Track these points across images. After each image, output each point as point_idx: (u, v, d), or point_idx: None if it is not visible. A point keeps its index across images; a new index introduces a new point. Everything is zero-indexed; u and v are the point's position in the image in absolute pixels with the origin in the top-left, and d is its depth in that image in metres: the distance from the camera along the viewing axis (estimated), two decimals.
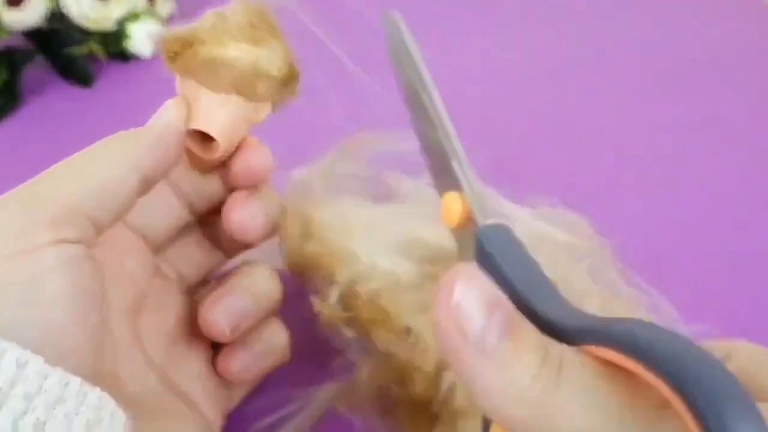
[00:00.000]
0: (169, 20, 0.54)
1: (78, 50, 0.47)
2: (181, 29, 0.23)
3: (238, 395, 0.26)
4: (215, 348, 0.26)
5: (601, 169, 0.41)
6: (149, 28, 0.50)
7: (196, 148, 0.23)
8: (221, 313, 0.23)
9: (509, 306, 0.14)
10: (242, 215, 0.24)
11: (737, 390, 0.12)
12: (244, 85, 0.22)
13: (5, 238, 0.17)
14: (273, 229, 0.25)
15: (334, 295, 0.26)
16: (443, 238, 0.28)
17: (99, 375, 0.18)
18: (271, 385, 0.27)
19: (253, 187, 0.25)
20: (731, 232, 0.37)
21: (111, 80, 0.50)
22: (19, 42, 0.47)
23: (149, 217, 0.24)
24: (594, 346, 0.14)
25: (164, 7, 0.53)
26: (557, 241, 0.30)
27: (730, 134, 0.45)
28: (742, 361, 0.16)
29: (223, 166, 0.24)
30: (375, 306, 0.26)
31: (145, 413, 0.20)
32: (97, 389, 0.17)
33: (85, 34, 0.47)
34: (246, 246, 0.26)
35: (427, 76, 0.20)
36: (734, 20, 0.58)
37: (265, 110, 0.24)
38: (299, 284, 0.28)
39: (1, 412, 0.15)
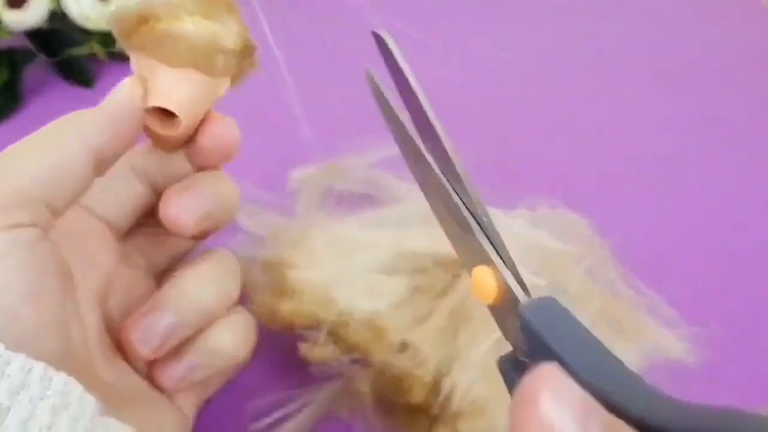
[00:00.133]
0: None
1: (79, 50, 0.47)
2: (134, 5, 0.22)
3: (213, 385, 0.25)
4: None
5: (601, 169, 0.41)
6: None
7: (157, 126, 0.22)
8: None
9: (602, 411, 0.12)
10: (175, 210, 0.22)
11: None
12: (202, 59, 0.22)
13: None
14: (213, 224, 0.24)
15: (321, 336, 0.26)
16: (434, 245, 0.28)
17: (69, 358, 0.18)
18: (271, 385, 0.27)
19: (222, 162, 0.24)
20: (731, 232, 0.37)
21: (111, 80, 0.49)
22: (20, 42, 0.47)
23: (112, 203, 0.23)
24: None
25: None
26: (550, 249, 0.30)
27: (730, 134, 0.45)
28: None
29: (189, 143, 0.24)
30: (368, 327, 0.26)
31: (125, 402, 0.20)
32: (63, 374, 0.16)
33: (85, 34, 0.47)
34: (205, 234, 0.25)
35: (417, 136, 0.19)
36: (734, 20, 0.58)
37: (224, 85, 0.23)
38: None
39: None
